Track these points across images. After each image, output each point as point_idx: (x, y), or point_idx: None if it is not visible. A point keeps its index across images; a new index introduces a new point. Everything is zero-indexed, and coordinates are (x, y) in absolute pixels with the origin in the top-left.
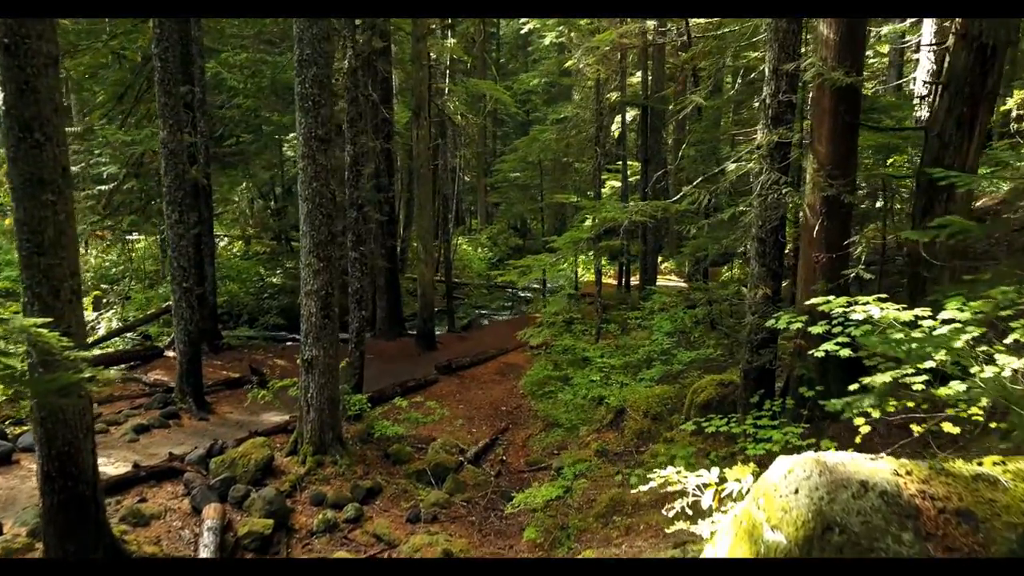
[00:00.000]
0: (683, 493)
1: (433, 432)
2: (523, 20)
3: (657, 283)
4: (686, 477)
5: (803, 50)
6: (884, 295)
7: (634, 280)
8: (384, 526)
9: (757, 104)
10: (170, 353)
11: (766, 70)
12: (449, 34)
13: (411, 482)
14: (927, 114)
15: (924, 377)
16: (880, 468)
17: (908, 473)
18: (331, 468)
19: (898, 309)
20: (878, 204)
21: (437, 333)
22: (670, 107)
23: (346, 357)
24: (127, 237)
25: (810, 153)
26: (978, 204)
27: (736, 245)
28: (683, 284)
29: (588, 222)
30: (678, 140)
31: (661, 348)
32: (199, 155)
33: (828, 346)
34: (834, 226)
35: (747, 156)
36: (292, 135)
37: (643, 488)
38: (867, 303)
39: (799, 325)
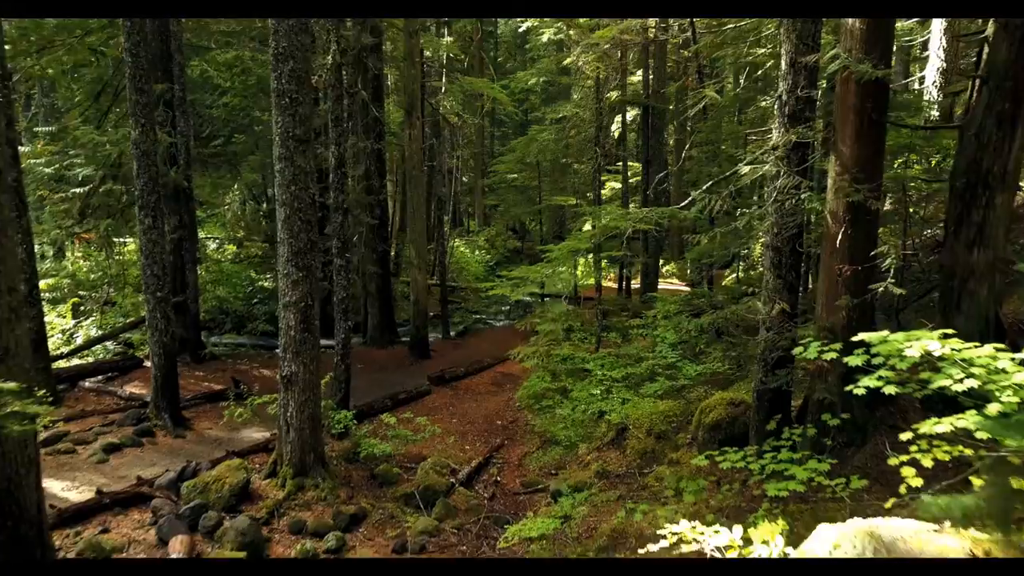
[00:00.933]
0: (699, 555)
1: (424, 450)
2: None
3: (658, 287)
4: (702, 534)
5: (823, 41)
6: (951, 331)
7: (635, 283)
8: (368, 558)
9: (766, 102)
10: (150, 363)
11: (782, 63)
12: (445, 32)
13: (398, 507)
14: (937, 114)
15: (990, 423)
16: (950, 547)
17: (987, 554)
18: (312, 492)
19: (971, 347)
20: (885, 207)
21: (431, 340)
22: (671, 106)
23: (330, 371)
24: (116, 240)
25: (832, 154)
26: None
27: (742, 247)
28: (685, 288)
29: (587, 226)
30: (680, 140)
31: (666, 362)
32: (179, 156)
33: (870, 381)
34: (859, 235)
35: (761, 157)
36: None
37: (653, 548)
38: (930, 340)
39: (834, 355)
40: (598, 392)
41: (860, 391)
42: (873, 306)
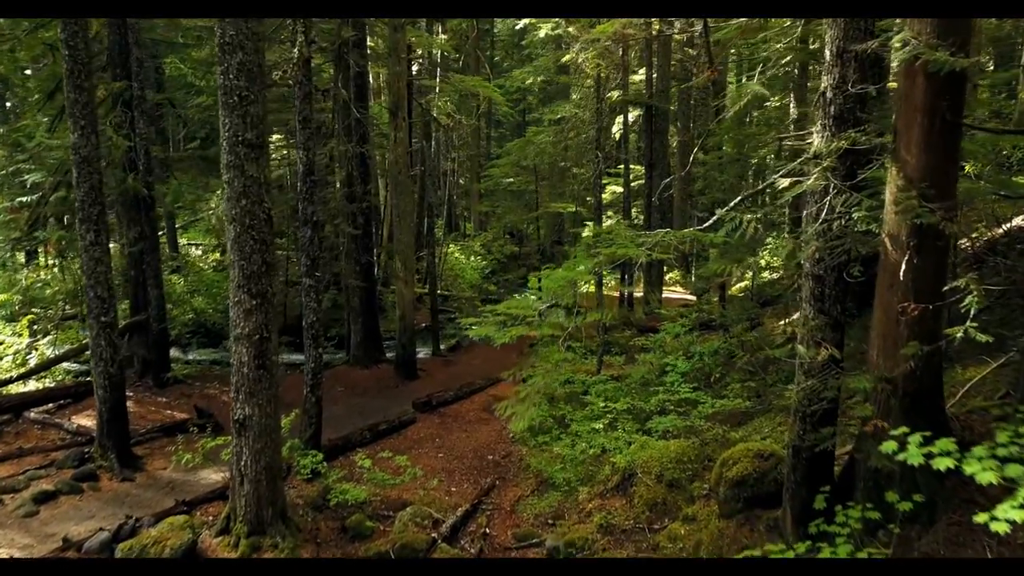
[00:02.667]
0: None
1: (404, 493)
2: None
3: (662, 295)
4: None
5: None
6: None
7: (637, 291)
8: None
9: (775, 102)
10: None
11: (826, 53)
12: (439, 29)
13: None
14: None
15: None
16: None
17: None
18: (270, 553)
19: None
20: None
21: (420, 356)
22: (672, 106)
23: (300, 404)
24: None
25: (892, 164)
26: None
27: (752, 258)
28: (690, 297)
29: (587, 231)
30: (683, 143)
31: (677, 396)
32: (139, 161)
33: (1014, 512)
34: (927, 265)
35: (800, 167)
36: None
37: None
38: None
39: (949, 464)
40: (600, 427)
41: (1002, 527)
42: (942, 352)
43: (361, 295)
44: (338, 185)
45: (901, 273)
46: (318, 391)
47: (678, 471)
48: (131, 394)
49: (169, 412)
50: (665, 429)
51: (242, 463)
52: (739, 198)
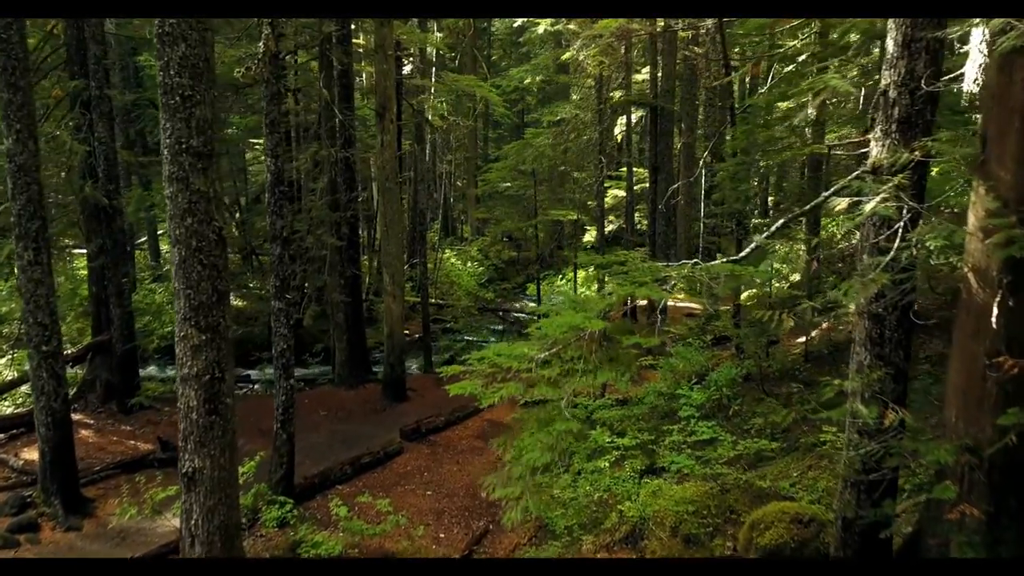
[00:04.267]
0: None
1: (386, 543)
2: None
3: (667, 303)
4: None
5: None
6: None
7: (641, 301)
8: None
9: (788, 104)
10: (75, 416)
11: (888, 43)
12: (434, 27)
13: None
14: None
15: None
16: None
17: None
18: None
19: None
20: None
21: (411, 372)
22: (675, 107)
23: (270, 441)
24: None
25: (979, 182)
26: None
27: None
28: (695, 306)
29: (588, 236)
30: (688, 144)
31: (695, 438)
32: (99, 168)
33: None
34: (1022, 308)
35: (855, 183)
36: (256, 140)
37: None
38: None
39: None
40: (605, 465)
41: None
42: None
43: (346, 310)
44: (319, 193)
45: (993, 318)
46: (290, 427)
47: (696, 524)
48: (92, 422)
49: (133, 443)
50: (679, 470)
51: (192, 522)
52: (780, 221)
